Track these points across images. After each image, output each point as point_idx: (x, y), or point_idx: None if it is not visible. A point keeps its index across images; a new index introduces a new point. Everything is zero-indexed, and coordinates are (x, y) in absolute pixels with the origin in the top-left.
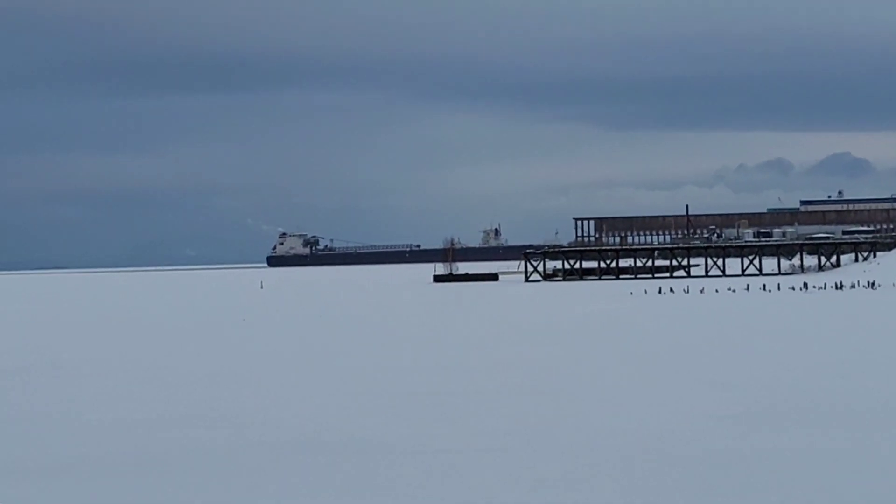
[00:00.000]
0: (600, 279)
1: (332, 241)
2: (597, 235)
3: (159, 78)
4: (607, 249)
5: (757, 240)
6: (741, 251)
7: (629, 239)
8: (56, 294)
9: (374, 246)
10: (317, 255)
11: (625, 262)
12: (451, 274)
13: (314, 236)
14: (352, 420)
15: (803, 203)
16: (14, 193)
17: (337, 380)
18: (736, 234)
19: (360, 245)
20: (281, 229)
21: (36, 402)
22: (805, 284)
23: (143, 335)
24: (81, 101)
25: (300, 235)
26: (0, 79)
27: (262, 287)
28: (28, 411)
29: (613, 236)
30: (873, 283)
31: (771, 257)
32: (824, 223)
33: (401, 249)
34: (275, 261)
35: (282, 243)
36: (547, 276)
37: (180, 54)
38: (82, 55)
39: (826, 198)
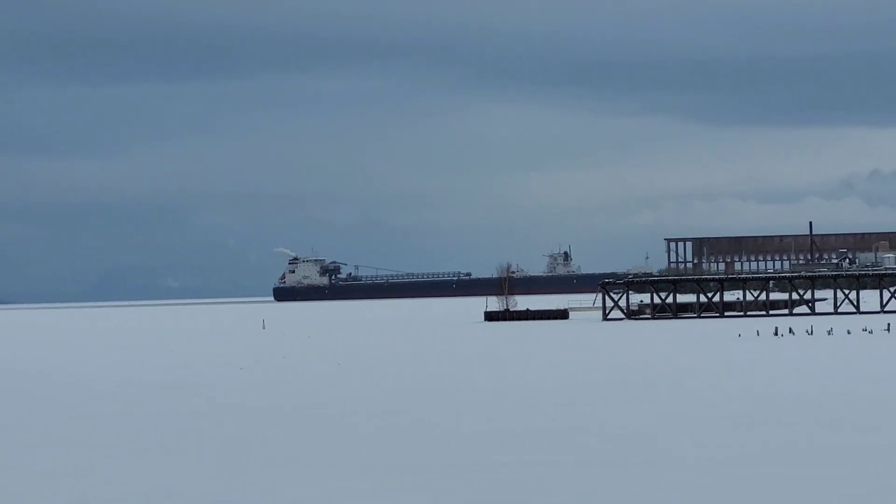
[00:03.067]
0: (699, 317)
1: (356, 268)
2: (695, 261)
3: (126, 60)
4: (709, 279)
5: None
6: (880, 281)
7: (736, 265)
8: None
9: (412, 275)
10: (337, 287)
11: (731, 296)
12: (507, 310)
13: (334, 262)
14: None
15: None
16: None
17: (360, 453)
18: (874, 259)
19: (393, 273)
20: (290, 253)
21: None
22: None
23: (91, 398)
24: (24, 89)
25: (316, 261)
26: None
27: (264, 327)
28: None
29: (716, 262)
30: None
31: None
32: None
33: (445, 279)
34: (283, 293)
35: (292, 271)
36: (631, 314)
37: (153, 30)
38: (22, 30)
39: None
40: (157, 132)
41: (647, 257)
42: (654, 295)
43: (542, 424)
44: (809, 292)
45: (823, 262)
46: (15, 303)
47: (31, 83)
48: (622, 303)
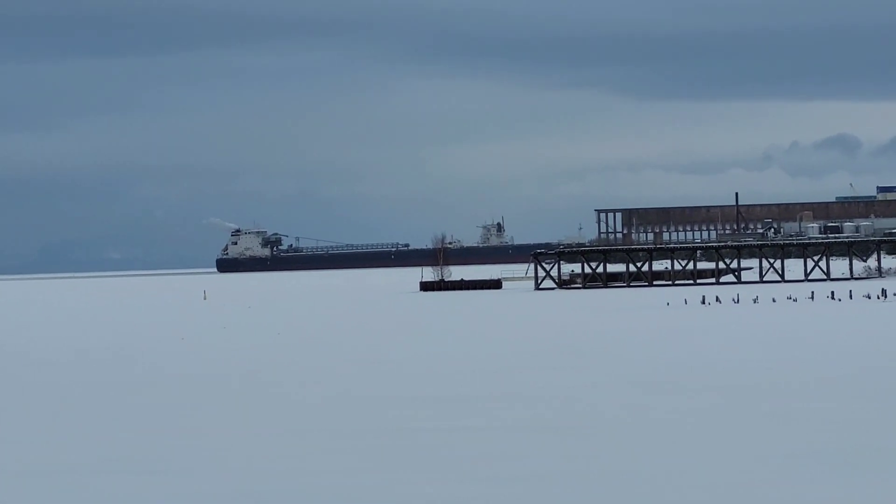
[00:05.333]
0: (629, 286)
1: (297, 239)
2: (624, 231)
3: (60, 36)
4: (638, 249)
5: (824, 236)
6: (804, 250)
7: (664, 236)
8: None
9: (351, 246)
10: (279, 258)
11: (660, 265)
12: (441, 281)
13: (276, 234)
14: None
15: (881, 190)
16: None
17: (288, 420)
18: (797, 229)
19: (333, 245)
20: (233, 225)
21: None
22: (884, 291)
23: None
24: None
25: (258, 233)
26: None
27: (205, 298)
28: None
29: (645, 232)
30: None
31: (841, 258)
32: None
33: (384, 250)
34: (226, 265)
35: (235, 243)
36: (562, 283)
37: (87, 6)
38: None
39: None
40: (93, 107)
41: (581, 227)
42: (585, 265)
43: (468, 391)
44: (736, 261)
45: (749, 231)
46: None
47: None
48: (554, 273)
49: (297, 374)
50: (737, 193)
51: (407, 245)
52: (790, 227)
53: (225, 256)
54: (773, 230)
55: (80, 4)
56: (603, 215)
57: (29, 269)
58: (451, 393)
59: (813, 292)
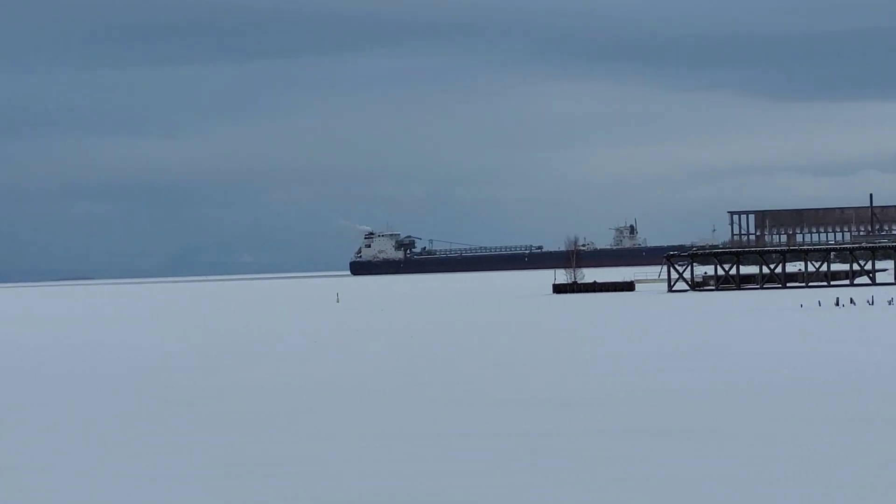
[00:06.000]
0: (762, 288)
1: (430, 242)
2: (757, 233)
3: (195, 41)
4: (771, 251)
5: None
6: None
7: (798, 237)
8: (68, 313)
9: (485, 248)
10: (412, 261)
11: (793, 267)
12: (574, 283)
13: (409, 237)
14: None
15: None
16: (21, 187)
17: (419, 422)
18: None
19: (467, 247)
20: (366, 227)
21: None
22: None
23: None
24: (97, 71)
25: (391, 235)
26: None
27: (338, 301)
28: None
29: (778, 234)
30: None
31: None
32: None
33: (518, 252)
34: (360, 267)
35: (368, 246)
36: (695, 285)
37: (219, 12)
38: (96, 17)
39: None
40: (226, 111)
41: (714, 229)
42: (718, 267)
43: (601, 394)
44: (870, 263)
45: (884, 233)
46: (93, 279)
47: (101, 66)
48: (687, 275)
49: (430, 376)
50: (871, 195)
51: (540, 247)
52: None
53: (358, 259)
54: None
55: (207, 11)
56: (736, 217)
57: (162, 273)
58: (583, 396)
59: None
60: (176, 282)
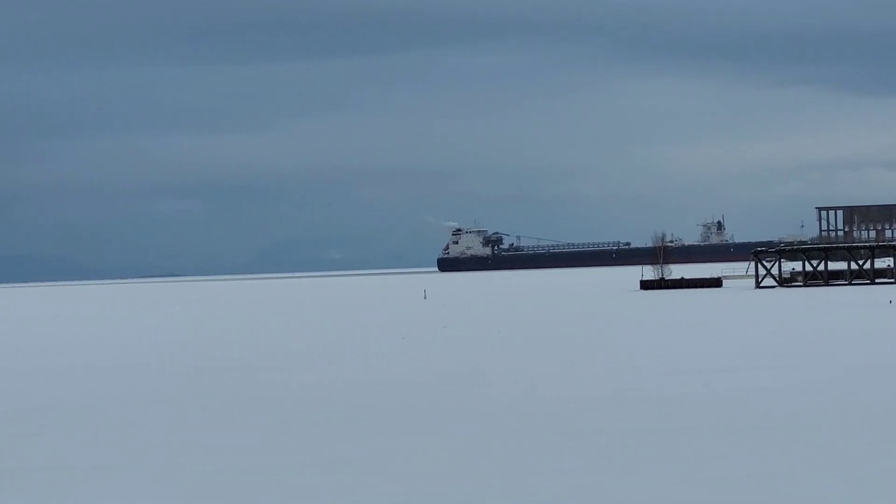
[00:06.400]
0: (850, 284)
1: (518, 238)
2: (845, 229)
3: (279, 38)
4: (860, 247)
5: None
6: None
7: (886, 233)
8: (154, 310)
9: (573, 245)
10: (500, 257)
11: (882, 263)
12: (662, 279)
13: (496, 233)
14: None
15: None
16: (109, 186)
17: (503, 420)
18: None
19: (555, 244)
20: (454, 224)
21: None
22: None
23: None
24: (186, 69)
25: (479, 232)
26: (78, 47)
27: (425, 297)
28: None
29: (867, 230)
30: None
31: None
32: None
33: (606, 249)
34: (447, 264)
35: (456, 242)
36: (783, 281)
37: (304, 9)
38: (185, 16)
39: None
40: (311, 108)
41: (803, 226)
42: (806, 263)
43: (686, 390)
44: None
45: None
46: (181, 276)
47: (188, 63)
48: (774, 271)
49: (515, 373)
50: None
51: (628, 243)
52: None
53: (446, 256)
54: None
55: (296, 8)
56: (824, 213)
57: (250, 270)
58: (669, 393)
59: None
60: (264, 279)
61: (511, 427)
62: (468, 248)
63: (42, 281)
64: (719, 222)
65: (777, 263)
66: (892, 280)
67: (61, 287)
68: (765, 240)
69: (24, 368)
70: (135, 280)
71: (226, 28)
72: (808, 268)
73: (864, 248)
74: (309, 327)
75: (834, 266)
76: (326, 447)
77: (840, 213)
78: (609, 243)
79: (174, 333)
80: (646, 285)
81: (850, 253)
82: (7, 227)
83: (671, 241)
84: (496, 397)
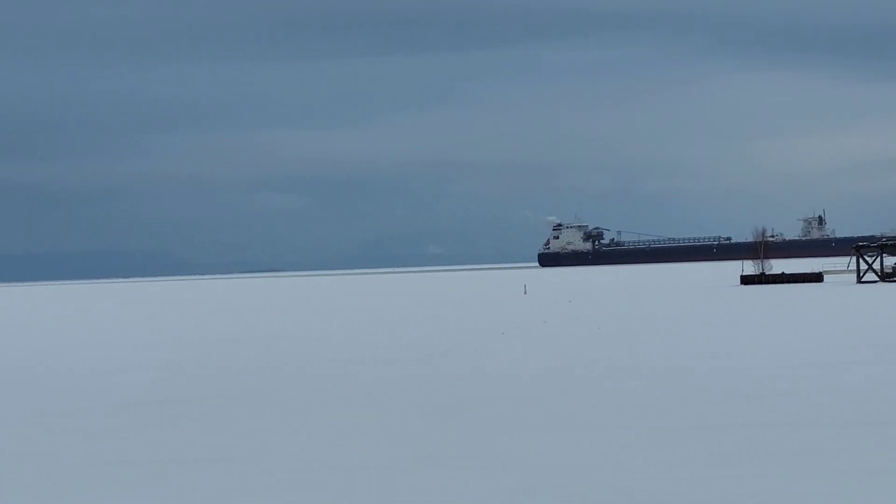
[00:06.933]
0: None
1: (619, 233)
2: None
3: (385, 33)
4: None
5: None
6: None
7: None
8: (254, 303)
9: (673, 240)
10: (600, 252)
11: None
12: (762, 274)
13: (597, 228)
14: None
15: None
16: (210, 181)
17: (603, 414)
18: None
19: (655, 238)
20: (554, 219)
21: None
22: None
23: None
24: (281, 63)
25: (579, 227)
26: (180, 43)
27: (525, 292)
28: None
29: None
30: None
31: None
32: None
33: (707, 244)
34: (548, 259)
35: (556, 237)
36: (885, 276)
37: (410, 3)
38: (286, 10)
39: None
40: (411, 103)
41: None
42: None
43: (783, 386)
44: None
45: None
46: (282, 271)
47: (292, 58)
48: (876, 265)
49: (611, 369)
50: None
51: (729, 238)
52: None
53: (546, 251)
54: None
55: (398, 3)
56: None
57: (351, 265)
58: (779, 387)
59: None
60: (364, 273)
61: (612, 419)
62: (569, 243)
63: (142, 276)
64: (820, 217)
65: (879, 258)
66: None
67: (161, 282)
68: (866, 234)
69: (146, 363)
70: (235, 275)
71: (329, 23)
72: None
73: None
74: (409, 324)
75: None
76: (438, 441)
77: None
78: (709, 238)
79: (273, 329)
80: (746, 280)
81: None
82: (109, 222)
83: (772, 236)
84: (594, 391)
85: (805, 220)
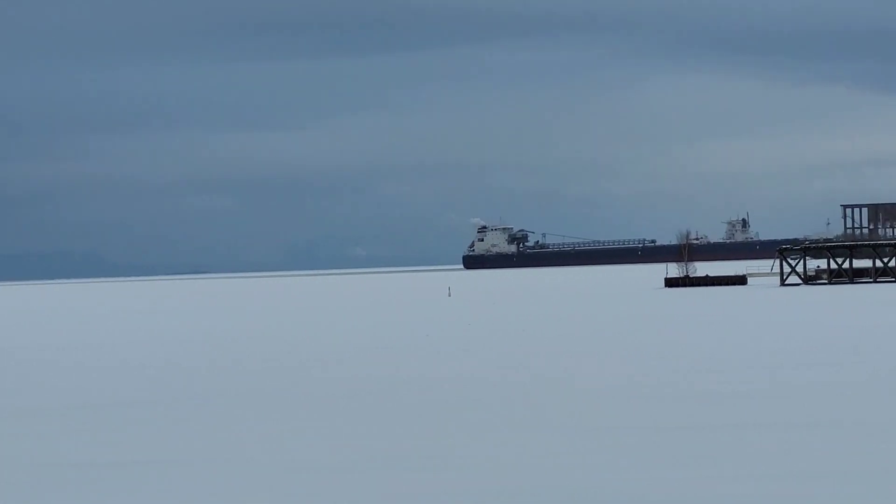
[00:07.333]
0: (875, 282)
1: (543, 235)
2: (871, 227)
3: (318, 35)
4: (885, 244)
5: None
6: None
7: None
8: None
9: (598, 242)
10: (525, 254)
11: None
12: (686, 277)
13: (522, 231)
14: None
15: None
16: (141, 182)
17: (533, 417)
18: None
19: (580, 241)
20: (479, 221)
21: None
22: None
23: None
24: (216, 65)
25: (504, 229)
26: (117, 44)
27: (449, 295)
28: None
29: (892, 227)
30: None
31: None
32: None
33: (632, 246)
34: (472, 261)
35: (481, 240)
36: (808, 279)
37: (344, 5)
38: (215, 11)
39: None
40: (341, 106)
41: (829, 223)
42: (831, 260)
43: (713, 388)
44: None
45: None
46: (210, 272)
47: (222, 60)
48: (799, 268)
49: (541, 371)
50: None
51: (653, 241)
52: None
53: (471, 253)
54: None
55: (332, 6)
56: (849, 211)
57: (278, 267)
58: (701, 389)
59: None
60: (291, 276)
61: (546, 421)
62: (493, 245)
63: (70, 278)
64: (744, 220)
65: (802, 261)
66: None
67: (89, 284)
68: (790, 237)
69: (67, 365)
70: (163, 277)
71: (262, 25)
72: (833, 265)
73: (889, 245)
74: (336, 326)
75: (859, 264)
76: (352, 441)
77: (865, 210)
78: (634, 241)
79: (200, 331)
80: (670, 283)
81: (874, 250)
82: (34, 224)
83: (696, 239)
84: (528, 393)
85: (729, 223)
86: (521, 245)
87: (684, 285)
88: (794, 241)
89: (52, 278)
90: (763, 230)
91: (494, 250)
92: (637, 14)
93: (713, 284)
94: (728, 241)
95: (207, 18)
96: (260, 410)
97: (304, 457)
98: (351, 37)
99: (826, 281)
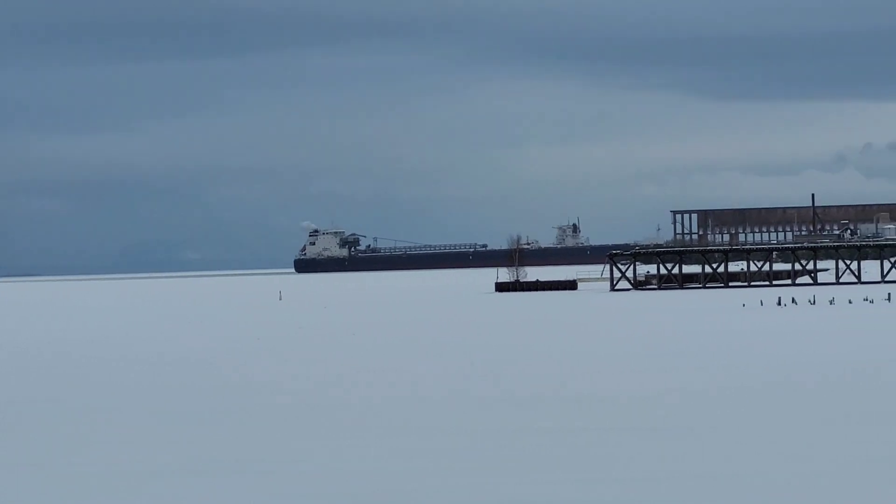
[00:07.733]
0: (705, 287)
1: (375, 240)
2: (700, 232)
3: (145, 38)
4: (714, 250)
5: None
6: (881, 251)
7: (740, 237)
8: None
9: (429, 246)
10: (357, 259)
11: (735, 266)
12: (517, 281)
13: (353, 234)
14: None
15: None
16: None
17: (356, 421)
18: (874, 230)
19: (412, 245)
20: (310, 224)
21: None
22: None
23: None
24: (51, 68)
25: (336, 233)
26: None
27: (281, 298)
28: None
29: (721, 233)
30: None
31: None
32: None
33: (463, 251)
34: (304, 265)
35: (313, 243)
36: (638, 284)
37: (171, 8)
38: (50, 13)
39: None
40: (172, 109)
41: (659, 229)
42: (661, 266)
43: (540, 392)
44: (812, 263)
45: (825, 233)
46: (39, 275)
47: (51, 62)
48: (629, 273)
49: (370, 374)
50: (813, 195)
51: (485, 246)
52: (866, 228)
53: (303, 257)
54: (849, 231)
55: (159, 9)
56: (678, 216)
57: (109, 270)
58: (524, 393)
59: (889, 294)
60: (122, 278)
61: (378, 425)
62: (325, 249)
63: None
64: (574, 225)
65: (632, 266)
66: (746, 283)
67: None
68: (620, 243)
69: None
70: None
71: (90, 28)
72: (663, 271)
73: (718, 251)
74: (166, 328)
75: (688, 269)
76: (199, 447)
77: (695, 216)
78: (466, 245)
79: (35, 334)
80: (501, 287)
81: (704, 256)
82: None
83: (527, 244)
84: (363, 398)
85: (560, 228)
86: (352, 249)
87: (514, 290)
88: (625, 247)
89: None
90: (594, 235)
91: (326, 254)
92: (462, 20)
93: (543, 289)
94: (559, 245)
95: (35, 21)
96: (49, 417)
97: (95, 461)
98: (179, 40)
99: (655, 286)
